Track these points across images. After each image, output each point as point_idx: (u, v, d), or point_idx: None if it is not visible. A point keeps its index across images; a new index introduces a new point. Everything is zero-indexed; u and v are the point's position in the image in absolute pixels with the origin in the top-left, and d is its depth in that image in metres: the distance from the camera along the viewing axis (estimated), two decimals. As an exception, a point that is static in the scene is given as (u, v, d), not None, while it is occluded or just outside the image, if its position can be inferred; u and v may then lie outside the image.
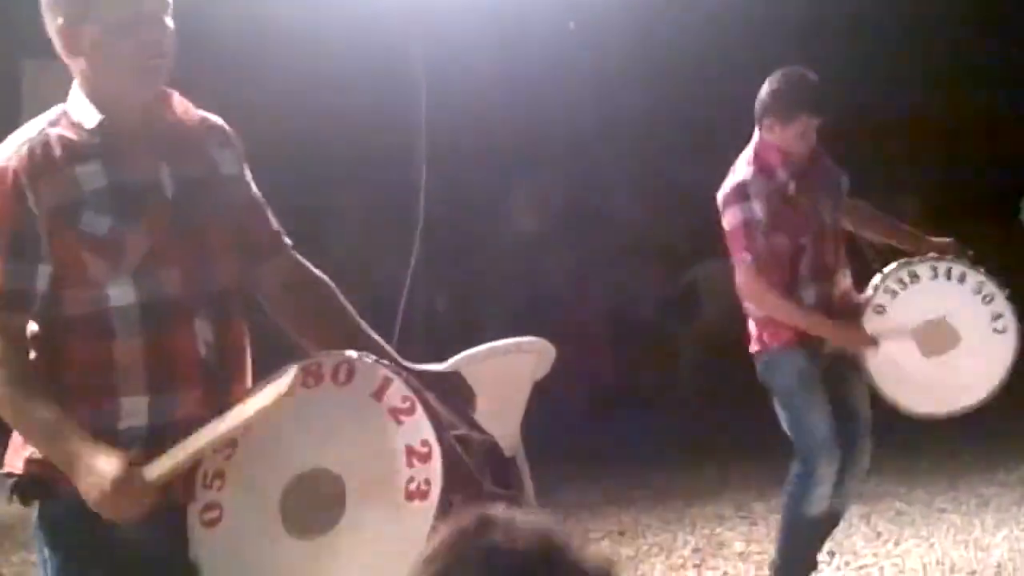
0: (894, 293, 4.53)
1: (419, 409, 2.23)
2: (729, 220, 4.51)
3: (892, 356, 4.51)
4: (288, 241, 2.60)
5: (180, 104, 2.50)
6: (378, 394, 2.27)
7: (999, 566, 5.39)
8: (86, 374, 2.34)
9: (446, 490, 2.17)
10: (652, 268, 9.27)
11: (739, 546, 5.82)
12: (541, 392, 5.36)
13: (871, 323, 4.51)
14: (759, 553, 5.60)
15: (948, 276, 4.53)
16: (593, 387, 6.68)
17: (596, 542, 5.97)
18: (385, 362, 2.37)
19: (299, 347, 2.56)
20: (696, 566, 5.50)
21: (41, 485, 2.40)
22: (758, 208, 4.43)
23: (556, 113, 6.73)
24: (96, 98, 2.36)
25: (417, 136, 5.88)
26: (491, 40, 7.48)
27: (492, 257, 8.31)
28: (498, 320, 6.99)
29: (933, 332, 4.49)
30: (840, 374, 4.62)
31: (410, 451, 2.19)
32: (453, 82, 6.60)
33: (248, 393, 2.37)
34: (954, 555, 5.62)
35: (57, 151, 2.32)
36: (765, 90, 4.57)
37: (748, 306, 4.65)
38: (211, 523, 2.30)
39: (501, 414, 5.32)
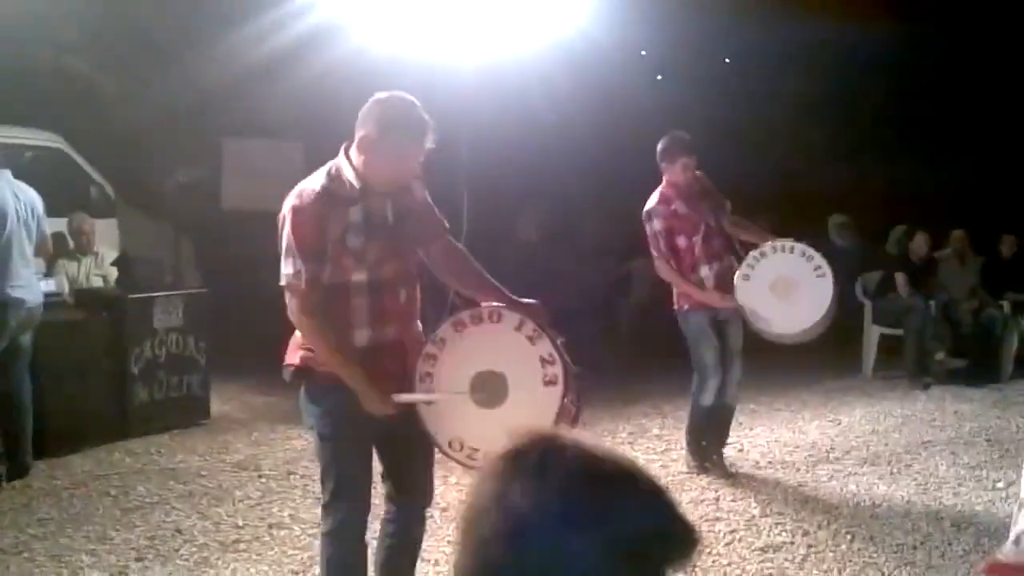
0: (752, 266, 5.57)
1: (544, 335, 2.96)
2: (647, 231, 5.72)
3: (758, 304, 5.51)
4: (447, 227, 3.43)
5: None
6: (518, 328, 2.99)
7: (813, 443, 6.68)
8: (338, 317, 3.14)
9: (566, 379, 2.91)
10: (604, 262, 9.92)
11: (656, 431, 7.09)
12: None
13: (741, 286, 5.53)
14: (668, 436, 6.92)
15: (783, 250, 5.53)
16: (571, 337, 8.00)
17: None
18: (517, 310, 3.08)
19: (459, 295, 3.55)
20: (630, 444, 6.72)
21: (308, 372, 3.23)
22: (659, 225, 5.63)
23: (547, 165, 8.01)
24: (359, 174, 3.15)
25: (461, 185, 7.84)
26: (507, 124, 8.93)
27: (510, 255, 8.82)
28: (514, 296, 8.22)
29: (781, 284, 5.47)
30: (725, 321, 5.70)
31: (542, 359, 2.92)
32: (483, 154, 8.04)
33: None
34: (786, 436, 6.93)
35: (339, 195, 3.11)
36: (659, 147, 5.75)
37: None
38: (428, 403, 3.01)
39: None
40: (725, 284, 5.65)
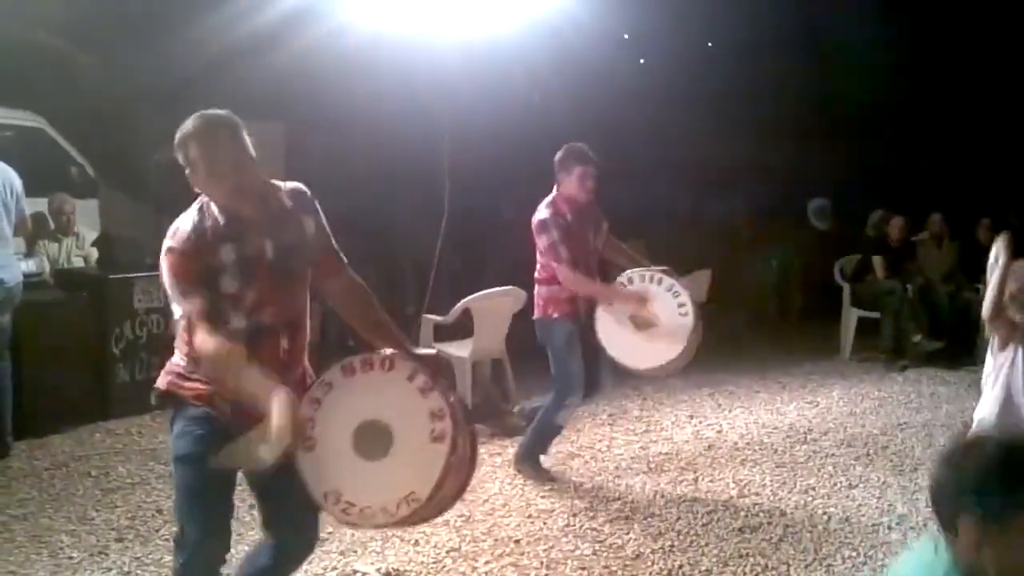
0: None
1: (436, 389, 2.79)
2: (541, 243, 5.32)
3: (614, 330, 5.26)
4: (345, 262, 3.13)
5: (277, 188, 2.98)
6: (410, 377, 2.82)
7: (791, 425, 6.71)
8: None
9: (454, 436, 2.74)
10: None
11: (636, 412, 7.08)
12: (516, 320, 6.85)
13: (602, 310, 5.28)
14: (648, 417, 6.94)
15: (652, 280, 5.25)
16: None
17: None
18: (412, 360, 2.87)
19: (355, 336, 3.20)
20: (610, 425, 6.75)
21: (174, 396, 3.00)
22: (557, 234, 5.26)
23: (528, 146, 7.65)
24: (219, 205, 2.89)
25: (443, 162, 7.83)
26: (491, 104, 8.92)
27: (489, 237, 9.10)
28: (492, 276, 7.60)
29: (641, 316, 5.21)
30: (590, 331, 5.34)
31: (432, 414, 2.75)
32: (466, 131, 8.00)
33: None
34: (764, 418, 6.95)
35: (209, 233, 2.84)
36: (556, 157, 5.39)
37: (539, 288, 5.44)
38: (308, 448, 2.81)
39: (495, 332, 7.05)
40: (589, 305, 5.39)
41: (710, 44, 12.87)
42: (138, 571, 4.27)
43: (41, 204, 7.72)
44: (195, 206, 2.96)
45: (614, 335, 5.31)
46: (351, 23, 7.77)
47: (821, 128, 12.09)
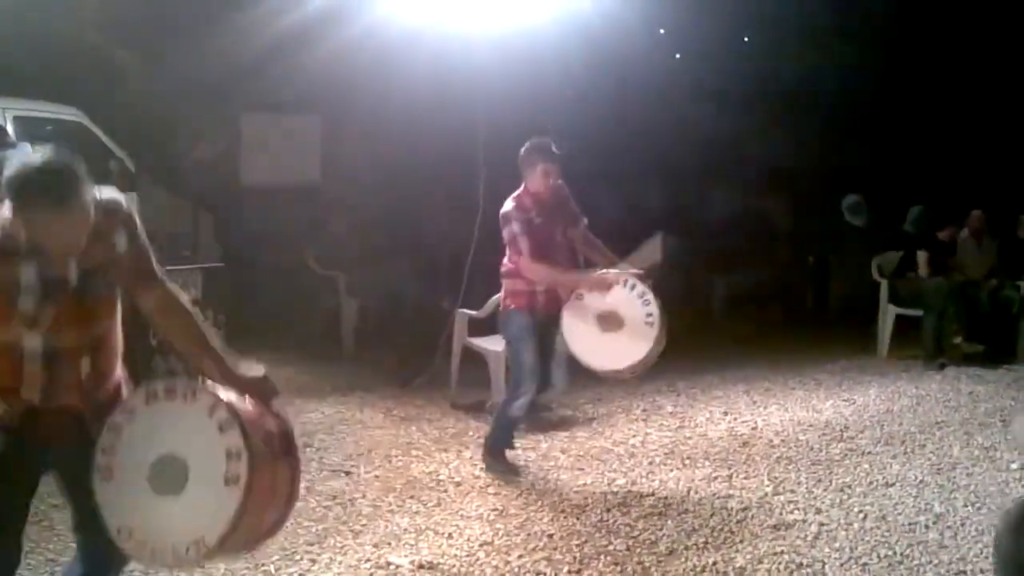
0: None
1: (236, 425, 2.61)
2: (505, 235, 5.38)
3: (578, 325, 5.24)
4: (162, 277, 2.96)
5: (96, 214, 2.72)
6: (210, 412, 2.64)
7: (827, 423, 6.66)
8: (5, 378, 2.72)
9: (249, 479, 2.56)
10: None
11: (670, 408, 7.09)
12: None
13: (571, 306, 5.25)
14: (682, 413, 6.92)
15: (624, 284, 5.18)
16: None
17: (583, 404, 7.09)
18: (215, 388, 2.71)
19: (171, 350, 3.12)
20: (643, 421, 6.76)
21: None
22: (518, 227, 5.29)
23: (562, 141, 7.92)
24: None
25: (478, 156, 7.87)
26: (526, 98, 8.90)
27: None
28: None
29: (608, 317, 5.19)
30: (548, 329, 5.40)
31: (228, 453, 2.59)
32: (500, 125, 7.88)
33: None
34: (800, 415, 6.90)
35: (9, 249, 2.66)
36: (521, 152, 5.41)
37: (503, 281, 5.51)
38: (106, 477, 2.70)
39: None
40: (556, 300, 5.38)
41: (746, 39, 12.75)
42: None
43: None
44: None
45: (578, 334, 5.29)
46: (387, 18, 7.80)
47: (857, 123, 11.93)
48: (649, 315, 5.15)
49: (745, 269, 10.59)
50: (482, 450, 5.75)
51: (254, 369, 2.90)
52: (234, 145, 9.96)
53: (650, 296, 5.17)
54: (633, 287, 5.21)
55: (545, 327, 5.45)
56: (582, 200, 5.72)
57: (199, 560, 2.66)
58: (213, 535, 2.59)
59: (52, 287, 2.75)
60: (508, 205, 5.43)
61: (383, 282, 9.15)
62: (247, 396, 2.80)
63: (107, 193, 2.84)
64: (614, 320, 5.22)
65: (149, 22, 9.89)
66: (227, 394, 2.74)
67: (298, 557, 4.32)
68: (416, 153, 9.38)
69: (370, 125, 9.65)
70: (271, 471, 2.71)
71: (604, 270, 5.34)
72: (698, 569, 4.26)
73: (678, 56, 12.21)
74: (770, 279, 10.47)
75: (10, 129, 7.36)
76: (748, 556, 4.41)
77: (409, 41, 8.00)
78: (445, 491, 5.33)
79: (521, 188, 5.49)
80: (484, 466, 5.67)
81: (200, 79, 9.32)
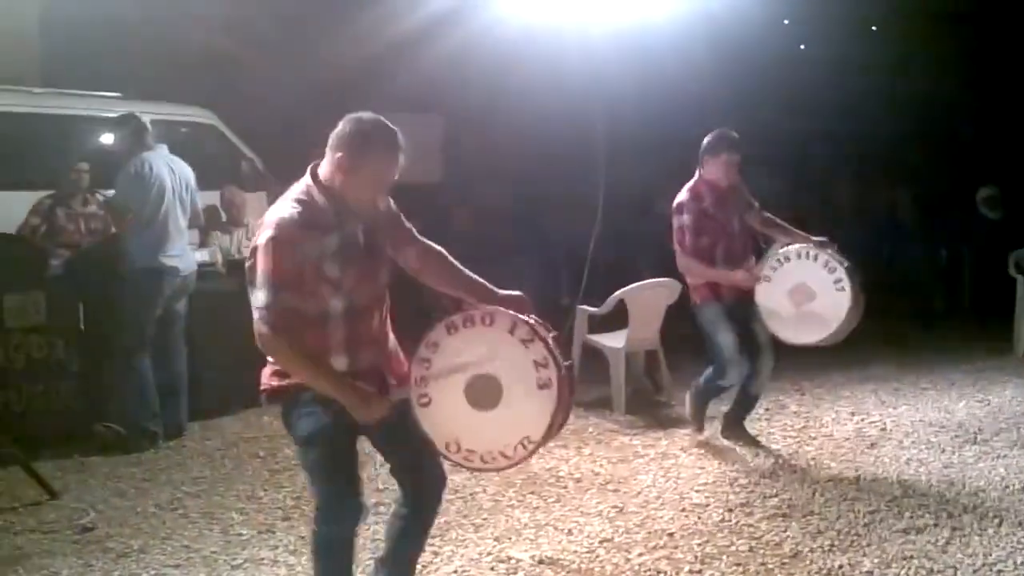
0: (775, 269, 5.48)
1: (537, 338, 2.97)
2: (675, 224, 5.55)
3: (774, 307, 5.46)
4: (416, 232, 3.34)
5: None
6: (511, 331, 3.00)
7: (960, 424, 6.46)
8: (315, 345, 3.07)
9: (560, 382, 2.94)
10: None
11: (794, 408, 6.97)
12: (670, 312, 6.91)
13: (761, 291, 5.46)
14: (806, 413, 6.81)
15: (806, 257, 5.42)
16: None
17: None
18: (511, 311, 3.06)
19: (447, 297, 3.36)
20: (767, 420, 6.64)
21: (282, 394, 3.19)
22: (688, 220, 5.48)
23: (685, 138, 7.77)
24: (334, 197, 3.09)
25: (597, 152, 7.86)
26: (645, 93, 8.87)
27: (642, 230, 8.89)
28: (645, 267, 7.77)
29: (799, 292, 5.42)
30: (746, 313, 5.55)
31: (536, 363, 2.95)
32: (619, 120, 7.99)
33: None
34: (931, 416, 6.71)
35: (315, 223, 3.03)
36: (704, 141, 5.58)
37: (687, 278, 5.70)
38: (425, 405, 3.05)
39: (650, 324, 7.08)
40: (738, 288, 5.56)
41: (874, 28, 12.37)
42: (302, 549, 4.37)
43: (213, 197, 8.04)
44: (292, 196, 3.15)
45: (777, 318, 5.49)
46: (504, 16, 7.84)
47: (989, 109, 11.43)
48: (838, 280, 5.34)
49: (874, 265, 10.29)
50: (689, 410, 6.07)
51: (507, 291, 3.24)
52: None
53: (834, 262, 5.37)
54: (816, 258, 5.41)
55: (742, 312, 5.57)
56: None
57: (527, 456, 3.04)
58: (538, 432, 2.99)
59: (351, 252, 3.11)
60: (683, 195, 5.55)
61: (504, 279, 9.22)
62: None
63: None
64: (805, 293, 5.43)
65: (275, 26, 10.38)
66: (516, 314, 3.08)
67: (421, 549, 4.39)
68: (535, 150, 9.44)
69: (489, 123, 9.74)
70: (566, 373, 3.05)
71: (787, 248, 5.50)
72: (824, 572, 4.17)
73: (803, 47, 11.94)
74: (899, 275, 10.11)
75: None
76: (876, 560, 4.29)
77: (526, 38, 8.05)
78: (565, 487, 5.34)
79: (696, 177, 5.60)
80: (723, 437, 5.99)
81: (324, 80, 9.62)
